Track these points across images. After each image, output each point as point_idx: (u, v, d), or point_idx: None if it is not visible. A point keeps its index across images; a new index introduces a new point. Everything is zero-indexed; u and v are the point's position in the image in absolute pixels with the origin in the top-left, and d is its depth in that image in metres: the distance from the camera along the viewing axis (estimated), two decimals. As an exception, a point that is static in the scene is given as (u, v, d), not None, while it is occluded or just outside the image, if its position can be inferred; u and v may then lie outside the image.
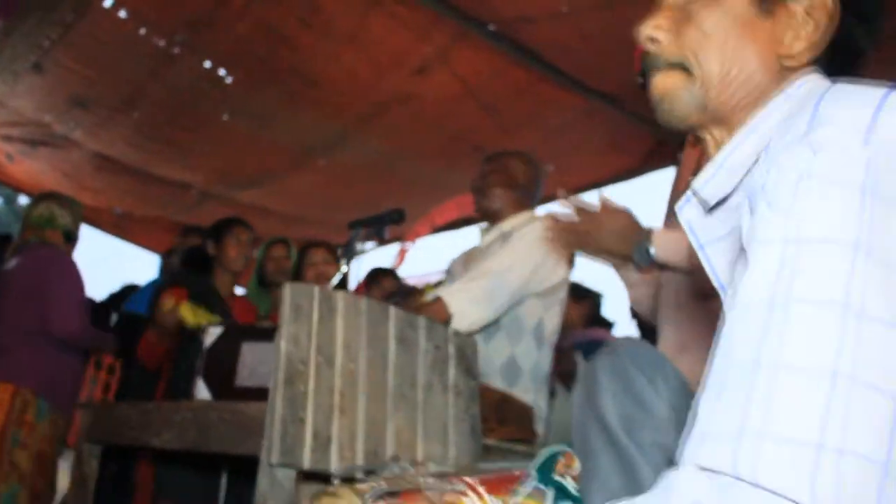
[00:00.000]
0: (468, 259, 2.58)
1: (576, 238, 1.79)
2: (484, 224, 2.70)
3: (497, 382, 2.28)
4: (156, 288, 3.21)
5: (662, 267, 1.76)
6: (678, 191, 2.00)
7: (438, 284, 3.51)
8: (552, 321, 2.43)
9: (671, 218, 2.08)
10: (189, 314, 2.59)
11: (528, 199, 2.61)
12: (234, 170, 6.58)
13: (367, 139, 5.76)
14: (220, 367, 2.22)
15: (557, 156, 6.28)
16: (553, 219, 1.81)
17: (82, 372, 3.46)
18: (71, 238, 3.49)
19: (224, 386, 2.18)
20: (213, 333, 2.28)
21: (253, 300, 3.54)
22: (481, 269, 2.31)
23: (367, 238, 2.61)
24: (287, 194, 7.12)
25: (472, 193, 2.68)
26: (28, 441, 3.15)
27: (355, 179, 6.63)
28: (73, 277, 3.31)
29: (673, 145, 6.95)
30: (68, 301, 3.23)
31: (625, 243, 1.78)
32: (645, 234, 1.78)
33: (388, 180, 6.60)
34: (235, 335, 2.24)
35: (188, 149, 6.16)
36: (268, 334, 2.20)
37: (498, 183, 2.57)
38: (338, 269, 3.71)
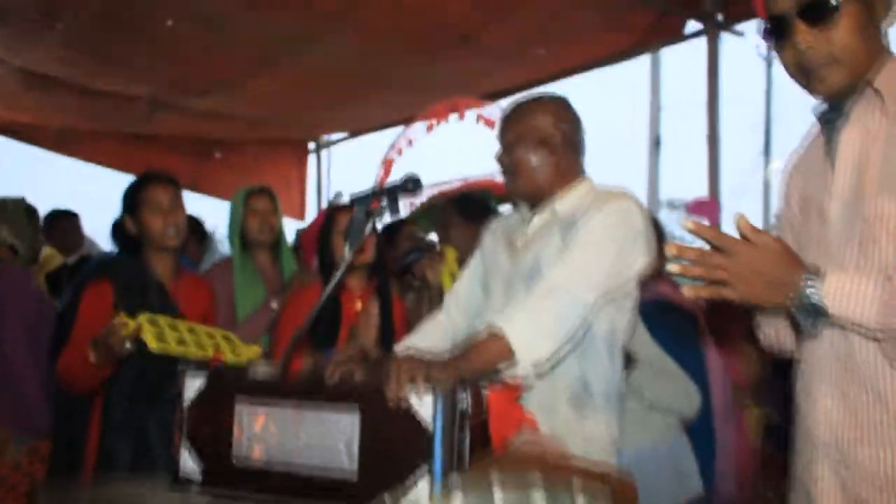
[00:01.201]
0: (513, 254, 1.99)
1: (710, 282, 1.24)
2: (518, 205, 2.09)
3: (564, 412, 1.77)
4: (76, 283, 2.38)
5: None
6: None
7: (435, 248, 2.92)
8: (624, 323, 1.89)
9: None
10: (153, 339, 1.98)
11: (576, 160, 1.99)
12: (186, 78, 5.77)
13: (338, 38, 4.96)
14: (206, 430, 1.68)
15: (551, 41, 5.54)
16: (678, 249, 1.23)
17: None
18: (16, 249, 2.88)
19: (217, 463, 1.65)
20: (192, 384, 1.72)
21: (236, 270, 2.94)
22: (546, 284, 1.73)
23: (376, 215, 2.01)
24: (250, 99, 6.36)
25: (501, 173, 2.05)
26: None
27: (325, 80, 5.86)
28: (17, 296, 2.74)
29: (680, 15, 6.22)
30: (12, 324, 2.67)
31: (778, 291, 1.23)
32: (810, 277, 1.23)
33: (364, 80, 5.84)
34: (222, 386, 1.69)
35: (129, 59, 5.32)
36: (272, 390, 1.65)
37: (531, 152, 1.93)
38: (278, 216, 3.09)
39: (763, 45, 6.15)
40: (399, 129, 6.75)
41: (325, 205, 8.28)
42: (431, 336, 2.10)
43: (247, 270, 3.01)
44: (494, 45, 5.29)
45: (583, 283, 1.78)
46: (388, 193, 2.07)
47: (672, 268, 1.26)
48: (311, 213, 9.07)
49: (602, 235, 1.82)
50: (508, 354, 1.65)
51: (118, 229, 2.47)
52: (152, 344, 2.02)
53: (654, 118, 15.99)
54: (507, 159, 1.98)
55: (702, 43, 5.66)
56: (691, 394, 2.51)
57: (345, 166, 9.30)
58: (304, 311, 2.21)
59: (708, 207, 4.59)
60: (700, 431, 2.63)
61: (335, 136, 9.15)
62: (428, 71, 5.56)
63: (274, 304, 2.83)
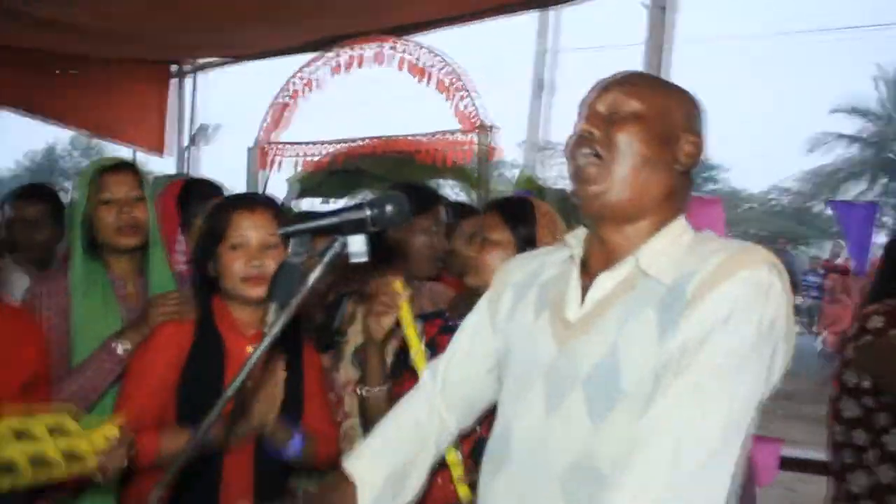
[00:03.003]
0: (564, 333, 1.21)
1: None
2: (571, 239, 1.31)
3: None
4: None
5: None
6: None
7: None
8: (742, 461, 1.18)
9: None
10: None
11: (689, 190, 1.23)
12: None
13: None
14: None
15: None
16: None
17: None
18: None
19: None
20: None
21: (74, 285, 1.90)
22: (669, 437, 0.98)
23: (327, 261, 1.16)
24: (104, 8, 5.09)
25: (571, 175, 1.23)
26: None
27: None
28: None
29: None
30: None
31: None
32: None
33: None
34: None
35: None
36: None
37: (647, 146, 1.19)
38: (147, 207, 2.03)
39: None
40: (288, 59, 5.71)
41: (186, 141, 7.05)
42: (400, 442, 1.40)
43: (93, 287, 2.02)
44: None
45: (732, 438, 1.05)
46: (347, 228, 1.23)
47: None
48: (170, 150, 7.80)
49: (747, 346, 1.06)
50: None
51: None
52: None
53: (540, 62, 15.55)
54: (603, 139, 1.21)
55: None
56: None
57: (218, 97, 8.03)
58: (166, 363, 1.72)
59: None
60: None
61: (207, 61, 7.84)
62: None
63: (119, 347, 1.87)
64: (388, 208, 1.22)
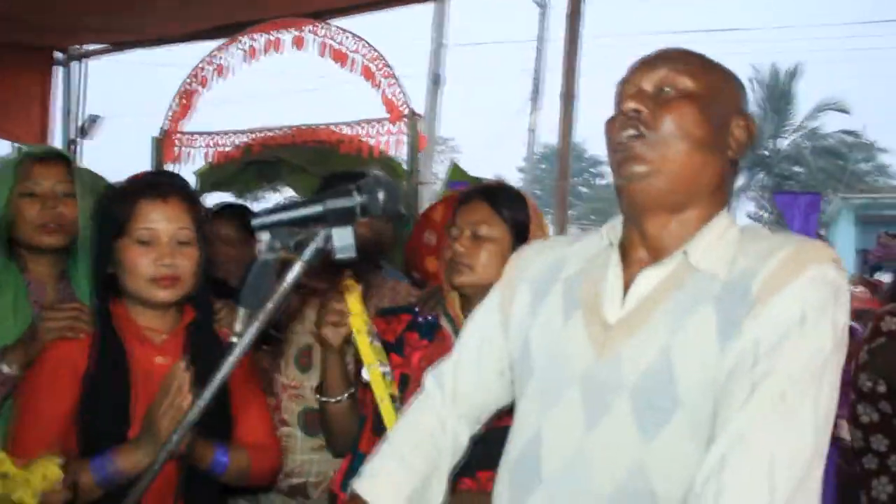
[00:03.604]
0: (601, 336, 1.08)
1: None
2: (606, 231, 1.19)
3: None
4: None
5: None
6: None
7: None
8: None
9: None
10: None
11: (734, 179, 1.13)
12: None
13: None
14: None
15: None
16: None
17: None
18: None
19: None
20: None
21: None
22: (755, 461, 0.88)
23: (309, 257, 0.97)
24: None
25: (615, 129, 1.08)
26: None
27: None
28: None
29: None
30: None
31: None
32: None
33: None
34: None
35: None
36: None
37: (696, 127, 1.10)
38: (76, 206, 1.77)
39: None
40: (186, 46, 5.35)
41: (73, 133, 6.54)
42: (415, 462, 1.23)
43: (4, 287, 1.76)
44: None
45: (821, 449, 0.94)
46: (333, 218, 1.06)
47: None
48: (56, 141, 7.24)
49: (826, 350, 0.97)
50: None
51: None
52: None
53: (436, 56, 15.62)
54: (651, 119, 1.08)
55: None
56: None
57: (107, 85, 7.49)
58: (60, 388, 1.50)
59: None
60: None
61: (95, 47, 7.28)
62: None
63: (3, 367, 1.62)
64: (381, 195, 1.04)
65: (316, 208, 1.03)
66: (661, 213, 1.09)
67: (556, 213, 3.88)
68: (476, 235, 1.61)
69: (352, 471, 1.55)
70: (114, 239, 1.54)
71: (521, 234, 1.63)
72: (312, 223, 1.04)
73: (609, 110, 1.16)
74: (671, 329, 1.02)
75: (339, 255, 1.03)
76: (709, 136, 1.07)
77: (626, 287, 1.10)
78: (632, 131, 1.08)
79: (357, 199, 1.03)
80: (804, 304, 0.97)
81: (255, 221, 1.03)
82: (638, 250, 1.12)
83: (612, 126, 1.12)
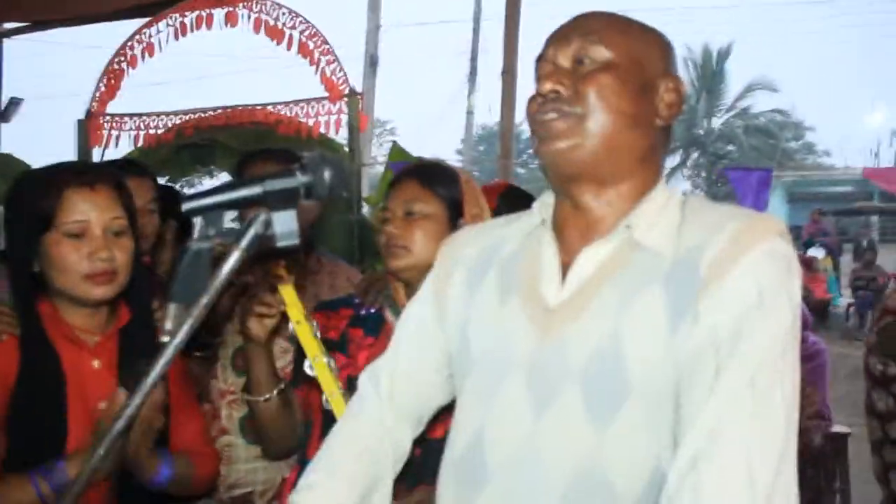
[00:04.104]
0: (543, 320, 1.00)
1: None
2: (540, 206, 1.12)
3: None
4: None
5: None
6: None
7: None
8: None
9: None
10: None
11: (666, 145, 1.06)
12: None
13: None
14: None
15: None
16: None
17: None
18: None
19: None
20: None
21: None
22: (731, 469, 0.82)
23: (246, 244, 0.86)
24: None
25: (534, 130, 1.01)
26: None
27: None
28: None
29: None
30: None
31: None
32: None
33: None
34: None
35: None
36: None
37: (622, 96, 1.02)
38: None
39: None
40: (112, 25, 5.10)
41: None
42: (356, 473, 1.14)
43: None
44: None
45: (792, 430, 0.89)
46: (273, 201, 0.96)
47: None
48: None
49: (785, 329, 0.92)
50: None
51: None
52: None
53: (372, 37, 15.46)
54: (572, 97, 1.01)
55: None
56: None
57: (27, 66, 7.12)
58: None
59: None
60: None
61: (12, 26, 6.90)
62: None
63: None
64: (327, 173, 0.94)
65: (254, 189, 0.92)
66: (591, 185, 1.02)
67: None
68: (409, 213, 1.51)
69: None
70: (40, 234, 1.40)
71: (456, 210, 1.54)
72: (250, 206, 0.94)
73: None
74: (618, 311, 0.96)
75: (281, 242, 0.93)
76: (633, 105, 1.00)
77: (565, 267, 1.03)
78: (552, 114, 1.00)
79: (300, 179, 0.93)
80: (759, 281, 0.91)
81: (187, 205, 0.92)
82: (572, 227, 1.04)
83: (532, 106, 1.04)
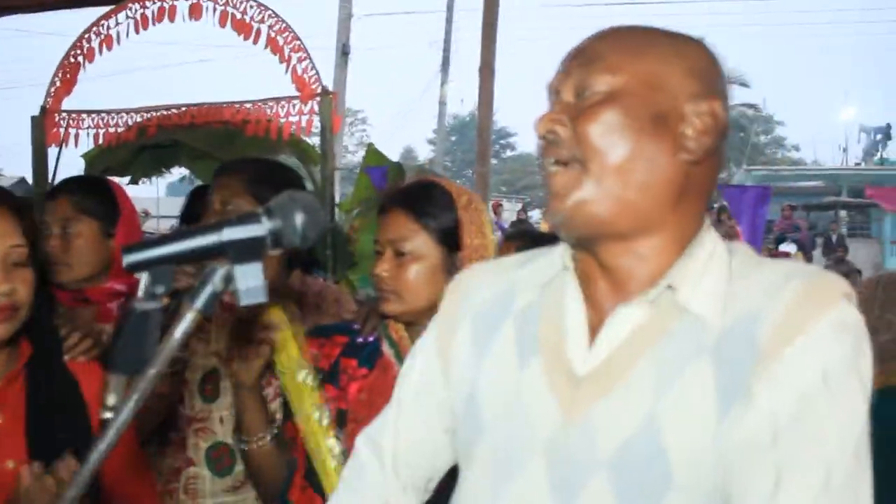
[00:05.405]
0: (569, 391, 0.86)
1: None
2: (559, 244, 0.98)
3: None
4: None
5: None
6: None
7: None
8: None
9: None
10: None
11: (707, 179, 0.91)
12: None
13: None
14: None
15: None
16: None
17: None
18: None
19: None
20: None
21: None
22: None
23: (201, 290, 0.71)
24: None
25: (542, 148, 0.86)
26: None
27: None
28: None
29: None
30: None
31: None
32: None
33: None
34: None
35: None
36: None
37: (608, 150, 0.89)
38: None
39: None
40: (69, 12, 4.87)
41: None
42: None
43: None
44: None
45: None
46: (235, 251, 0.80)
47: None
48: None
49: (859, 413, 0.78)
50: None
51: None
52: None
53: (344, 26, 15.24)
54: (571, 140, 0.88)
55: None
56: None
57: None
58: None
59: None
60: None
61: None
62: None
63: None
64: (298, 218, 0.80)
65: (211, 238, 0.77)
66: (611, 243, 0.88)
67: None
68: (399, 254, 1.38)
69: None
70: None
71: (452, 243, 1.40)
72: (207, 257, 0.79)
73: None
74: (656, 388, 0.82)
75: (244, 301, 0.78)
76: (647, 141, 0.85)
77: (593, 326, 0.89)
78: (554, 166, 0.87)
79: (267, 226, 0.78)
80: (825, 359, 0.78)
81: (129, 258, 0.77)
82: (601, 282, 0.90)
83: (539, 148, 0.91)
